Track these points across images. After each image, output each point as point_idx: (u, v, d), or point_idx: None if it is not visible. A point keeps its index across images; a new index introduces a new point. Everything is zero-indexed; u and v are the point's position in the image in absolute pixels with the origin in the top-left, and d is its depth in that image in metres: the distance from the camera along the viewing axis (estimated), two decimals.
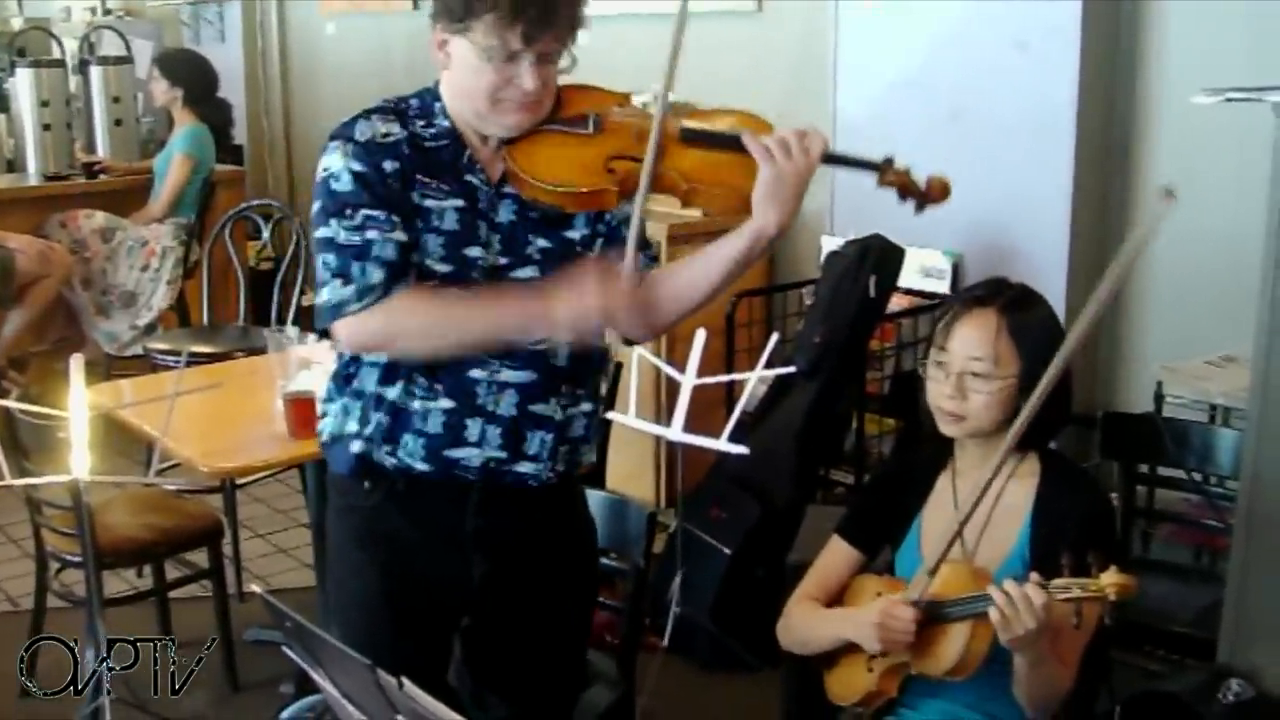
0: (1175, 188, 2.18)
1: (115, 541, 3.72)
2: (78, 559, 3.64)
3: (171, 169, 6.15)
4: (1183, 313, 4.36)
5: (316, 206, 2.24)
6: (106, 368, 5.86)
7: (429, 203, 2.23)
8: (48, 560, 3.85)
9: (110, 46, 7.26)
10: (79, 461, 2.76)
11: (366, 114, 2.26)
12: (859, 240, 4.34)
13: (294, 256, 5.49)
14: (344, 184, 2.21)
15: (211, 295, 5.68)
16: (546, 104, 2.23)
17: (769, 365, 2.49)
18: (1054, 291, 4.09)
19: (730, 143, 2.16)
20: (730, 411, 2.65)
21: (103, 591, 3.55)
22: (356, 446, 2.33)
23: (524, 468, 2.33)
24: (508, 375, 2.28)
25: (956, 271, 4.58)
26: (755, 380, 2.66)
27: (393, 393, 2.29)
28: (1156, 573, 3.68)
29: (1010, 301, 2.36)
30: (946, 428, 2.39)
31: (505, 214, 2.28)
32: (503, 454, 2.30)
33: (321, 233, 2.23)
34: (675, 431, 2.68)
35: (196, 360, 4.59)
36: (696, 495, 4.27)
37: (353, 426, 2.33)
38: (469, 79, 2.19)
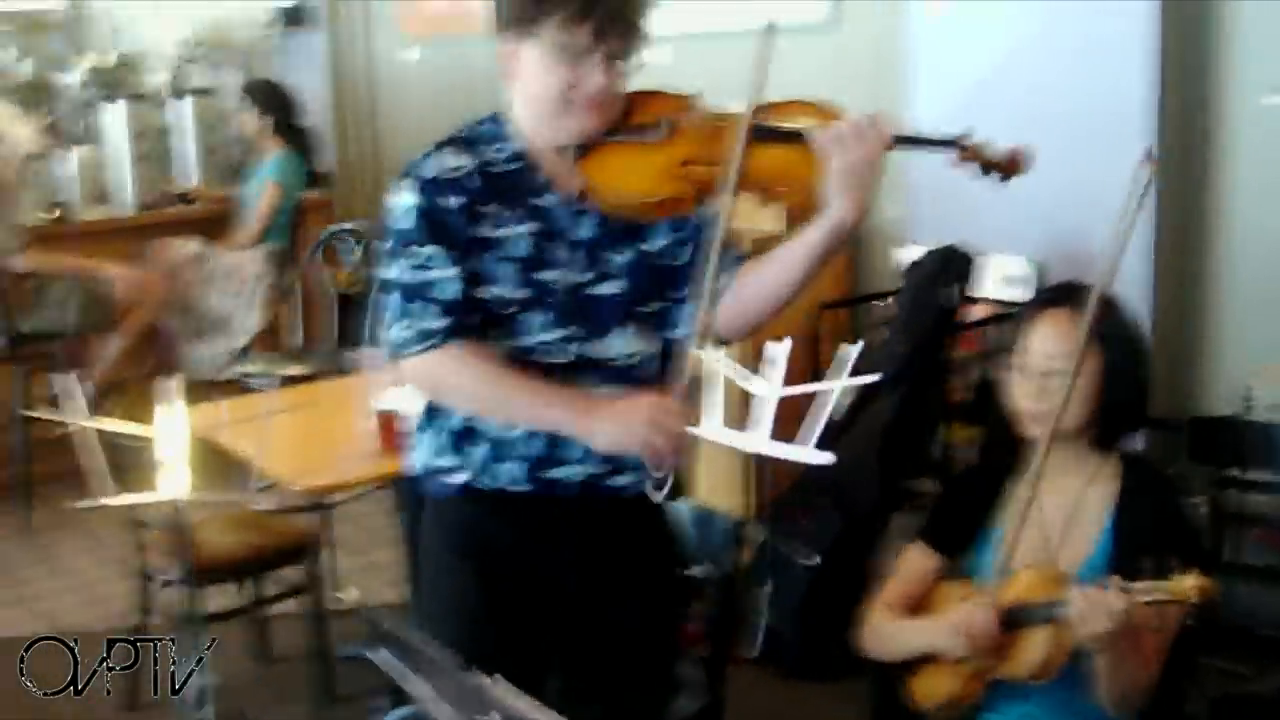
0: (1155, 152, 2.20)
1: (212, 558, 3.81)
2: (177, 576, 3.72)
3: (262, 196, 6.26)
4: (1269, 316, 4.33)
5: (385, 246, 2.31)
6: (200, 393, 5.97)
7: (499, 232, 2.27)
8: (148, 578, 3.93)
9: (199, 77, 7.41)
10: (178, 480, 2.85)
11: (438, 147, 2.31)
12: (939, 250, 4.35)
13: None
14: (407, 222, 2.26)
15: (304, 319, 5.78)
16: (616, 107, 2.26)
17: (853, 375, 2.53)
18: (1139, 298, 4.08)
19: (799, 137, 2.17)
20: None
21: (201, 608, 3.65)
22: (460, 478, 2.37)
23: (621, 480, 2.36)
24: (604, 391, 2.30)
25: (1039, 279, 4.57)
26: (839, 390, 2.69)
27: (488, 424, 2.34)
28: (1247, 577, 3.65)
29: (1085, 301, 2.37)
30: (1029, 429, 2.40)
31: (585, 229, 2.31)
32: (603, 469, 2.34)
33: (386, 273, 2.29)
34: (760, 441, 2.72)
35: (289, 382, 4.68)
36: (782, 505, 4.30)
37: (450, 460, 2.38)
38: (539, 83, 2.23)
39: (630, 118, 2.30)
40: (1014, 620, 2.28)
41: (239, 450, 3.62)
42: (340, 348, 5.62)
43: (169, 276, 6.16)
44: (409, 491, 3.73)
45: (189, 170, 6.91)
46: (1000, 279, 4.61)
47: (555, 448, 2.32)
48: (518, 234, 2.28)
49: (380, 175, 7.83)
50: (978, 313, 4.51)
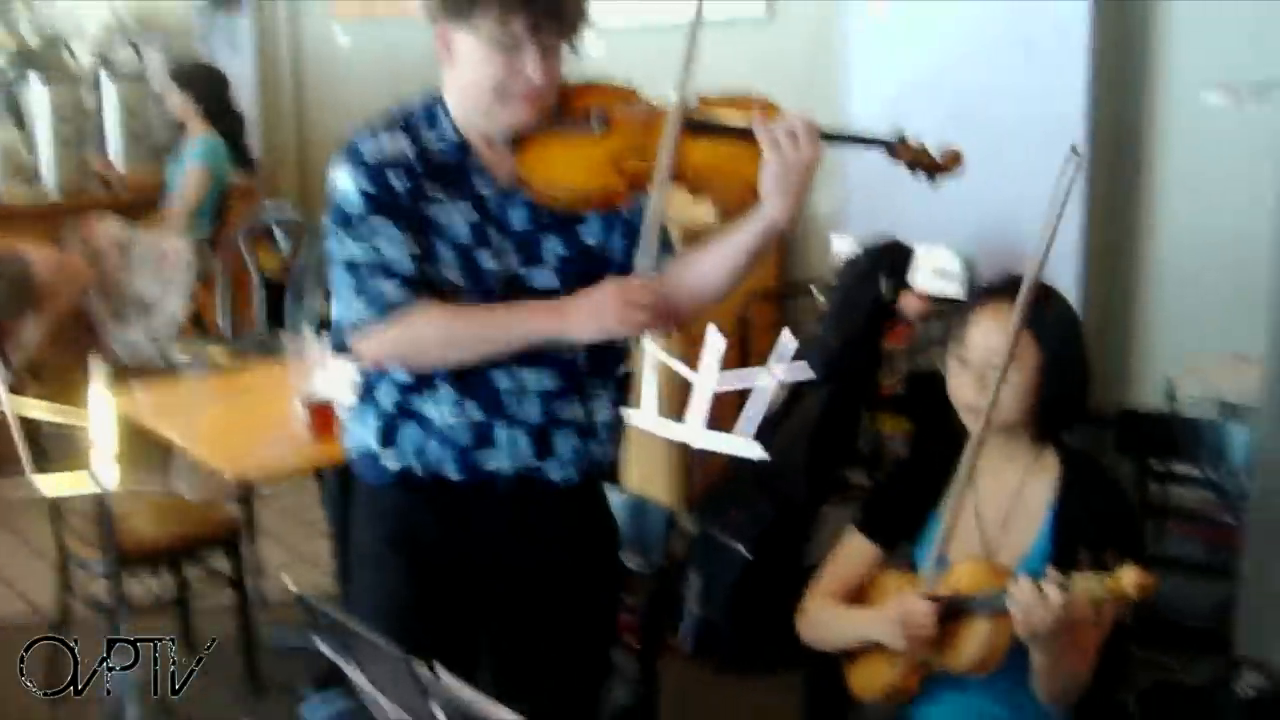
0: (1080, 148, 2.23)
1: (137, 546, 3.76)
2: (100, 565, 3.66)
3: (187, 180, 6.18)
4: (1194, 311, 4.38)
5: (330, 229, 2.28)
6: (126, 378, 5.88)
7: (440, 216, 2.26)
8: (70, 566, 3.87)
9: (124, 59, 7.30)
10: (103, 466, 2.80)
11: (373, 132, 2.29)
12: (873, 245, 4.37)
13: (309, 265, 5.54)
14: (354, 205, 2.24)
15: (229, 304, 5.72)
16: (550, 99, 2.25)
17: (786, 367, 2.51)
18: (1069, 292, 4.12)
19: (738, 133, 2.17)
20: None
21: (125, 597, 3.59)
22: (393, 463, 2.35)
23: (554, 473, 2.36)
24: (531, 380, 2.31)
25: (970, 273, 4.60)
26: (774, 382, 2.68)
27: (420, 406, 2.32)
28: (1170, 569, 3.69)
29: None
30: (970, 422, 2.40)
31: (518, 219, 2.30)
32: (534, 460, 2.34)
33: (337, 253, 2.27)
34: (694, 433, 2.71)
35: (218, 368, 4.63)
36: (712, 497, 4.30)
37: (381, 444, 2.36)
38: (473, 73, 2.21)
39: (567, 108, 2.28)
40: (954, 612, 2.29)
41: (166, 436, 3.56)
42: (269, 334, 5.56)
43: (92, 259, 6.06)
44: (336, 483, 3.71)
45: (114, 153, 6.81)
46: (931, 272, 4.64)
47: (482, 436, 2.31)
48: (457, 220, 2.27)
49: (307, 160, 7.76)
50: (909, 305, 4.54)
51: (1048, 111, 4.34)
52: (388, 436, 2.35)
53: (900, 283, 4.33)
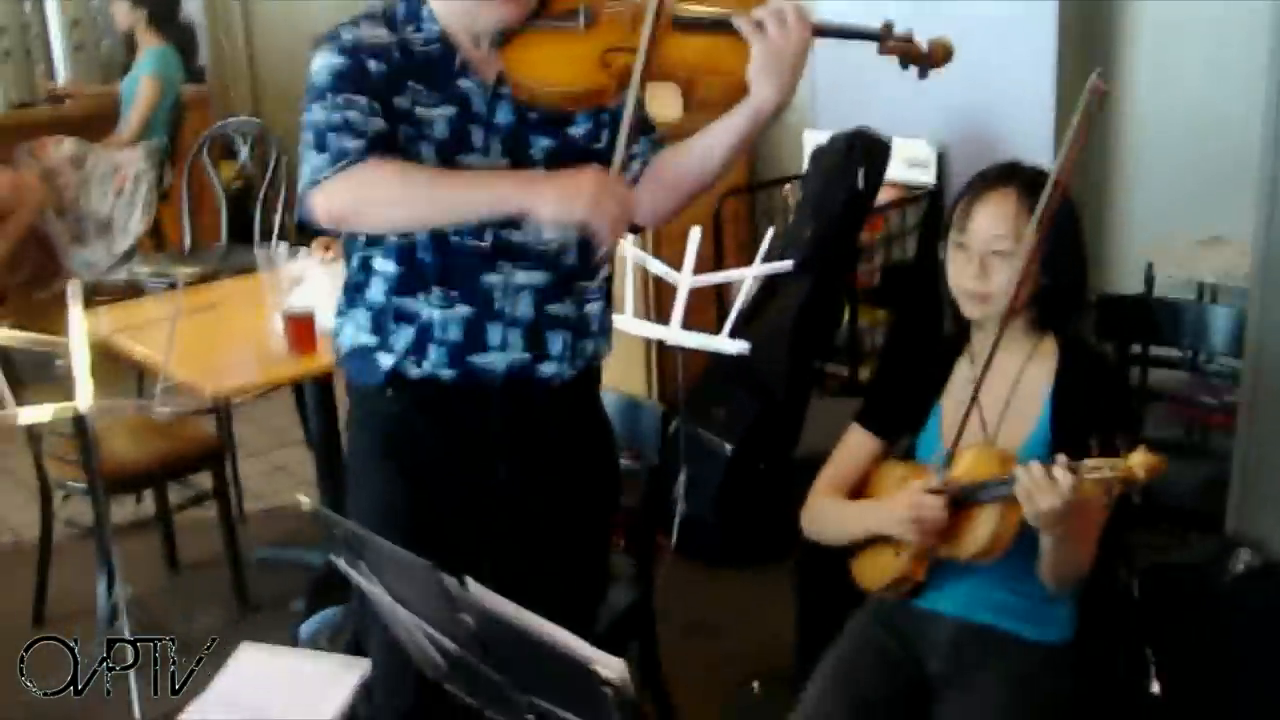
0: (1103, 79, 2.21)
1: (119, 467, 3.71)
2: (82, 487, 3.62)
3: (140, 92, 6.08)
4: (1170, 194, 4.39)
5: (304, 109, 2.20)
6: (90, 297, 5.81)
7: (419, 110, 2.21)
8: (51, 490, 3.83)
9: None
10: (82, 389, 2.76)
11: (355, 20, 2.23)
12: (845, 134, 4.34)
13: (273, 176, 5.46)
14: (324, 78, 2.17)
15: (192, 218, 5.65)
16: None
17: (764, 262, 2.48)
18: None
19: (723, 26, 2.12)
20: (722, 310, 2.64)
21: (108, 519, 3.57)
22: (386, 360, 2.31)
23: (547, 369, 2.33)
24: (522, 277, 2.27)
25: (942, 163, 4.58)
26: (752, 277, 2.66)
27: (410, 304, 2.28)
28: (1154, 450, 3.71)
29: (1028, 181, 2.36)
30: (971, 309, 2.39)
31: (504, 116, 2.25)
32: (526, 356, 2.30)
33: (304, 120, 2.19)
34: (675, 332, 2.68)
35: (188, 283, 4.59)
36: (694, 395, 4.29)
37: (375, 339, 2.32)
38: None
39: (552, 4, 2.23)
40: (961, 500, 2.29)
41: (136, 355, 3.51)
42: (233, 247, 5.50)
43: (46, 178, 5.97)
44: (317, 394, 3.68)
45: (61, 67, 6.68)
46: (903, 162, 4.61)
47: (476, 334, 2.28)
48: (437, 115, 2.21)
49: (257, 74, 7.62)
50: (882, 196, 4.51)
51: None
52: (380, 329, 2.31)
53: (877, 175, 4.30)
